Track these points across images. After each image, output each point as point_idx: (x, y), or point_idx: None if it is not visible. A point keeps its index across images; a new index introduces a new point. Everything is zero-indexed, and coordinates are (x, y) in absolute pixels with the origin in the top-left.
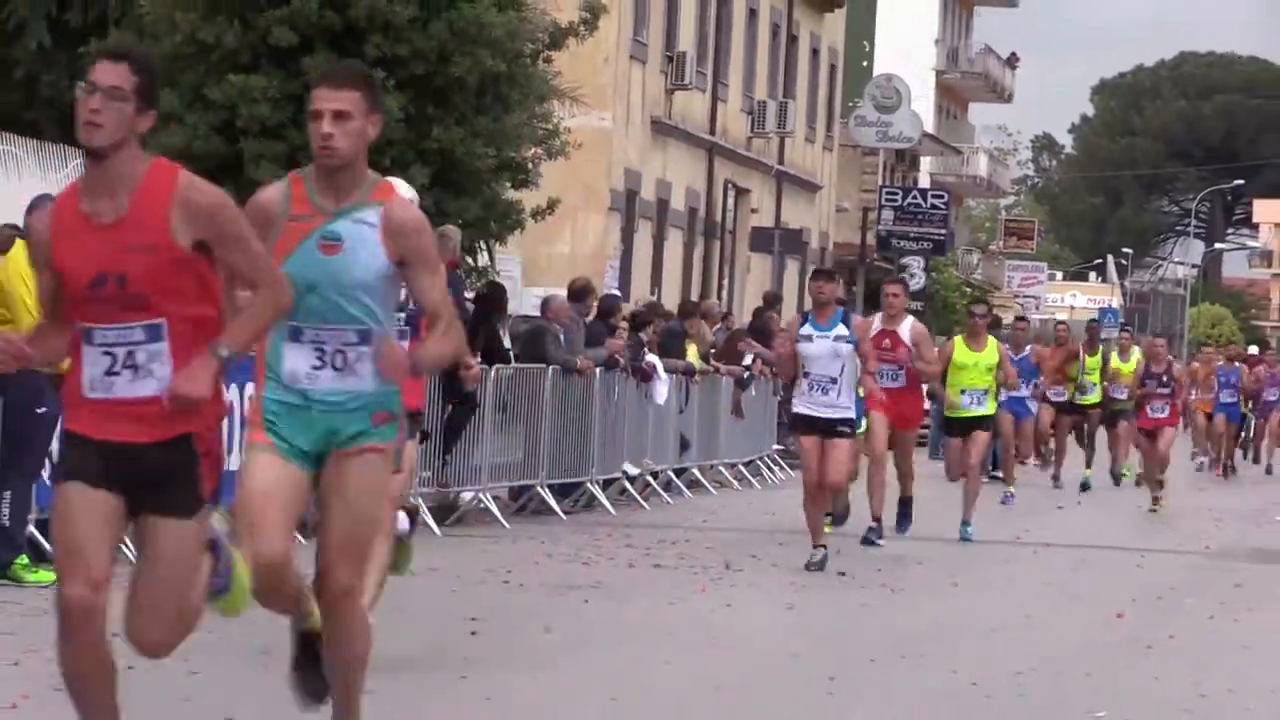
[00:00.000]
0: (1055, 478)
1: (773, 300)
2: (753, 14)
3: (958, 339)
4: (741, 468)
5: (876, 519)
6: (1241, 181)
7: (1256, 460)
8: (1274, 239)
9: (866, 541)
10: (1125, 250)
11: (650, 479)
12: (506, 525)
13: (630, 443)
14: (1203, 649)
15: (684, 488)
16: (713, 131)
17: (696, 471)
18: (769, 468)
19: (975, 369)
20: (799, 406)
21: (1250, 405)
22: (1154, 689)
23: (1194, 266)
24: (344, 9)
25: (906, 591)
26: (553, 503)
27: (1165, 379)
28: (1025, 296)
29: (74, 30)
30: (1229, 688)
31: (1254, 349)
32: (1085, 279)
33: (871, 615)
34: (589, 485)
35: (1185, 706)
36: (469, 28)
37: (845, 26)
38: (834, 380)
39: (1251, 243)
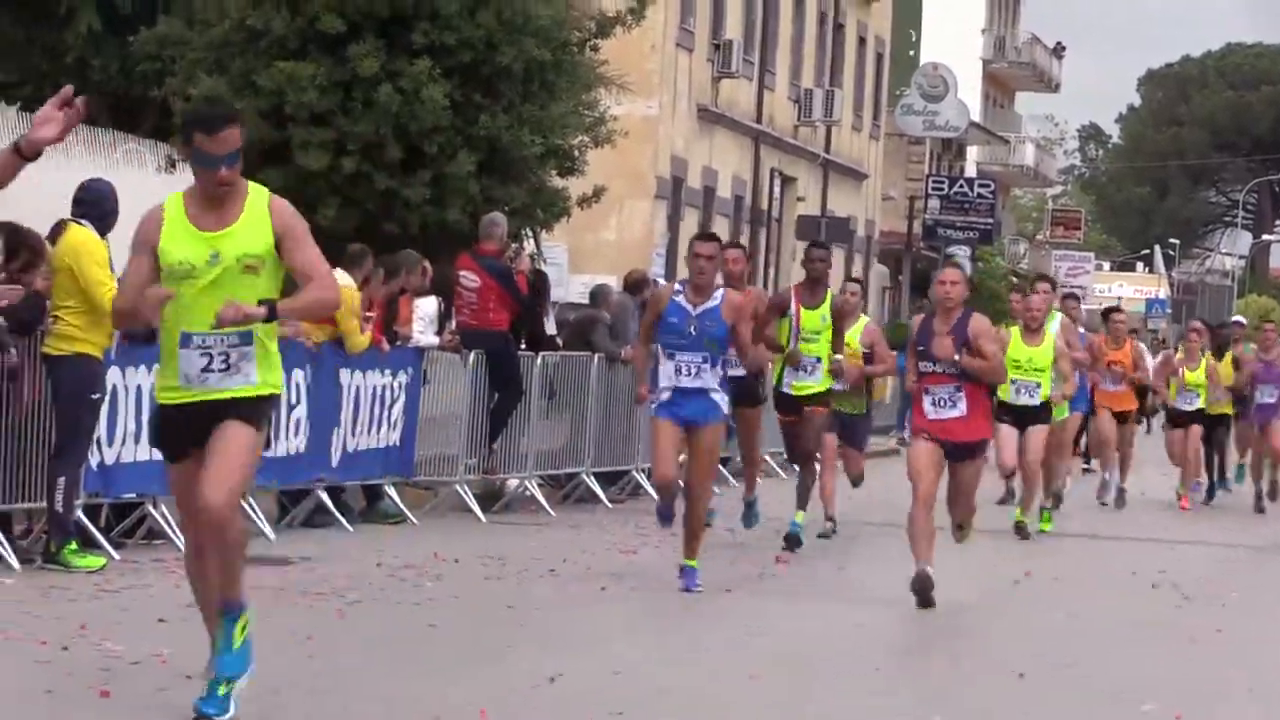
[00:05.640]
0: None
1: None
2: (799, 2)
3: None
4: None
5: None
6: None
7: None
8: None
9: None
10: (1172, 241)
11: None
12: (552, 513)
13: None
14: (1249, 643)
15: (729, 476)
16: (759, 120)
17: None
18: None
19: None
20: None
21: None
22: (1201, 682)
23: (1241, 258)
24: None
25: (951, 585)
26: (598, 490)
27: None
28: (1072, 286)
29: (124, 16)
30: (1277, 682)
31: None
32: (1133, 269)
33: (917, 608)
34: (634, 473)
35: (1233, 700)
36: (516, 16)
37: (892, 15)
38: None
39: None
